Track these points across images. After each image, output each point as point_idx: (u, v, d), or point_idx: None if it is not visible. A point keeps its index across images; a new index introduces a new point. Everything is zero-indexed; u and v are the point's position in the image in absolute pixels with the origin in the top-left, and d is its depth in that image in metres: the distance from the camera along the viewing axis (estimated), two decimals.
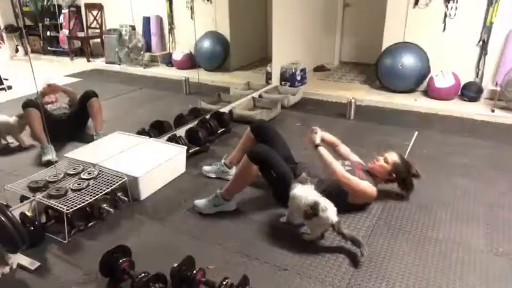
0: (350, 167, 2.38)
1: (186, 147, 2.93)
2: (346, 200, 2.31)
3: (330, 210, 1.97)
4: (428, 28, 4.50)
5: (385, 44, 4.75)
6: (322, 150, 2.34)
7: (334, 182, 2.28)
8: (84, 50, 6.75)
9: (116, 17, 6.48)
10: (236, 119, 3.89)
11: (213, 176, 2.81)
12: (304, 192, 2.05)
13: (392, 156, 2.41)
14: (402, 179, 2.43)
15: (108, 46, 6.42)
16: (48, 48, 6.99)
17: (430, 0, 4.41)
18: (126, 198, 2.43)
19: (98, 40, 6.73)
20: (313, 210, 1.97)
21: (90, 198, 2.21)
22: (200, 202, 2.39)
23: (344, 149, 2.61)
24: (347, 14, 6.03)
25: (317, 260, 1.96)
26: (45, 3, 6.82)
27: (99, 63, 6.53)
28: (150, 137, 3.10)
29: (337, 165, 2.28)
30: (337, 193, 2.24)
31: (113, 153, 2.75)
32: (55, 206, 2.12)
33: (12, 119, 3.23)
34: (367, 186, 2.29)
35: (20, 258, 1.96)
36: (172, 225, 2.28)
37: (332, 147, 2.58)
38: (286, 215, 2.24)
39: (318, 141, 2.38)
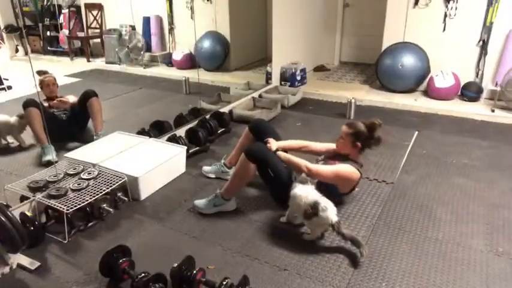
0: (323, 160, 2.39)
1: (186, 147, 2.93)
2: (339, 192, 2.32)
3: (330, 210, 1.97)
4: (428, 28, 4.50)
5: (385, 44, 4.75)
6: (280, 153, 2.34)
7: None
8: (84, 50, 6.75)
9: (116, 17, 6.47)
10: (236, 119, 3.89)
11: (213, 176, 2.81)
12: (305, 191, 2.06)
13: (344, 130, 2.35)
14: (366, 139, 2.32)
15: (108, 46, 6.42)
16: (48, 48, 6.98)
17: (430, 0, 4.41)
18: (126, 198, 2.43)
19: (98, 40, 6.73)
20: (313, 209, 1.97)
21: (90, 198, 2.21)
22: (200, 202, 2.39)
23: (314, 145, 2.58)
24: (347, 14, 6.03)
25: (317, 260, 1.96)
26: (45, 3, 6.81)
27: (99, 63, 6.52)
28: (150, 137, 3.10)
29: (300, 161, 2.26)
30: (328, 187, 2.23)
31: (113, 153, 2.75)
32: (55, 206, 2.12)
33: (12, 119, 3.23)
34: (342, 168, 2.27)
35: (20, 258, 1.96)
36: (172, 225, 2.28)
37: (301, 151, 2.56)
38: (286, 214, 2.25)
39: (273, 148, 2.37)
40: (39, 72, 3.33)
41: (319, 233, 2.09)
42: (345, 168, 2.28)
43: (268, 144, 2.41)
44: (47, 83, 3.30)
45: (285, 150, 2.43)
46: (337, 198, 2.26)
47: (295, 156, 2.35)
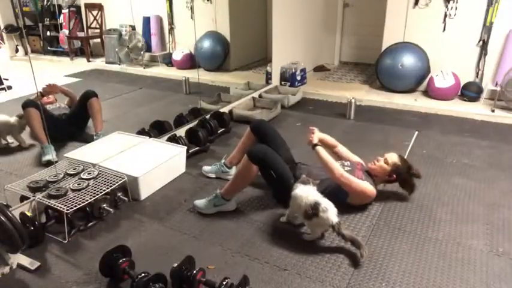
0: (350, 167, 2.38)
1: (186, 147, 2.93)
2: (346, 201, 2.32)
3: (330, 211, 1.97)
4: (428, 28, 4.50)
5: (385, 44, 4.75)
6: (320, 149, 2.34)
7: (334, 183, 2.28)
8: (84, 50, 6.74)
9: (116, 17, 6.47)
10: (236, 119, 3.89)
11: (213, 176, 2.81)
12: (306, 192, 2.06)
13: (393, 157, 2.41)
14: (403, 179, 2.43)
15: (108, 46, 6.42)
16: (48, 48, 6.97)
17: (430, 0, 4.41)
18: (126, 198, 2.43)
19: (98, 40, 6.72)
20: (313, 210, 1.97)
21: (90, 198, 2.21)
22: (200, 202, 2.39)
23: (343, 149, 2.62)
24: (347, 14, 6.03)
25: (317, 260, 1.96)
26: (45, 3, 6.81)
27: (99, 63, 6.52)
28: (150, 137, 3.10)
29: (336, 165, 2.28)
30: (337, 193, 2.25)
31: (112, 153, 2.75)
32: (55, 206, 2.12)
33: (12, 119, 3.23)
34: (367, 187, 2.30)
35: (20, 258, 1.96)
36: (172, 225, 2.28)
37: (331, 149, 2.58)
38: (286, 214, 2.25)
39: (315, 141, 2.39)
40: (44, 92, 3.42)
41: (319, 233, 2.09)
42: (370, 188, 2.31)
43: (312, 134, 2.41)
44: (48, 93, 3.38)
45: (323, 143, 2.45)
46: (340, 203, 2.26)
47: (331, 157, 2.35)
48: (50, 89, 3.42)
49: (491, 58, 4.29)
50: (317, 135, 2.45)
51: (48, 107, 3.42)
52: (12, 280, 1.88)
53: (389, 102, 4.42)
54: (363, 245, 1.93)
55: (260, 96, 4.46)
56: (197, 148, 3.17)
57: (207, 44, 5.66)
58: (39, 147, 3.12)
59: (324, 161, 2.29)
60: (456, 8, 4.32)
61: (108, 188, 2.32)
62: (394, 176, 2.40)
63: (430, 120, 3.99)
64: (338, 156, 2.57)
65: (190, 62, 5.88)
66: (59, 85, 3.52)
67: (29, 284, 1.85)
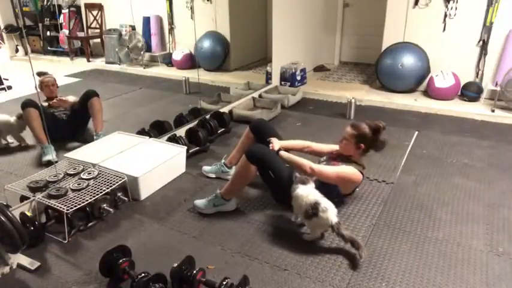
0: (325, 160, 2.40)
1: (186, 147, 2.93)
2: (340, 193, 2.32)
3: (330, 211, 1.97)
4: (428, 28, 4.50)
5: (385, 44, 4.75)
6: (283, 153, 2.34)
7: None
8: (84, 50, 6.74)
9: (116, 17, 6.47)
10: (236, 119, 3.89)
11: (213, 176, 2.81)
12: (306, 192, 2.06)
13: (348, 131, 2.34)
14: (370, 142, 2.32)
15: (108, 46, 6.42)
16: (48, 48, 6.97)
17: (430, 0, 4.41)
18: (126, 198, 2.43)
19: (98, 40, 6.72)
20: (313, 210, 1.97)
21: (90, 198, 2.21)
22: (200, 202, 2.39)
23: (317, 146, 2.58)
24: (347, 13, 6.02)
25: (317, 260, 1.96)
26: (45, 3, 6.81)
27: (99, 63, 6.52)
28: (150, 137, 3.10)
29: (302, 161, 2.26)
30: (330, 188, 2.23)
31: (113, 153, 2.75)
32: (55, 206, 2.12)
33: (12, 119, 3.23)
34: (343, 170, 2.27)
35: (20, 258, 1.96)
36: (172, 225, 2.28)
37: (303, 151, 2.56)
38: (294, 214, 2.23)
39: (276, 148, 2.38)
40: (39, 74, 3.34)
41: (319, 233, 2.09)
42: (348, 170, 2.28)
43: (270, 144, 2.41)
44: (46, 84, 3.30)
45: (288, 150, 2.43)
46: (338, 199, 2.27)
47: (297, 156, 2.35)
48: (59, 104, 3.36)
49: (491, 58, 4.29)
50: (276, 143, 2.43)
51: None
52: (12, 280, 1.88)
53: (389, 102, 4.42)
54: (362, 246, 1.92)
55: (260, 96, 4.46)
56: (197, 148, 3.17)
57: (207, 44, 5.66)
58: (39, 147, 3.12)
59: (290, 162, 2.30)
60: (456, 8, 4.32)
61: (108, 188, 2.32)
62: (362, 145, 2.31)
63: (430, 120, 3.99)
64: (314, 154, 2.56)
65: (190, 62, 5.88)
66: (70, 100, 3.39)
67: (29, 284, 1.85)
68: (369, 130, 2.30)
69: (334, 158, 2.40)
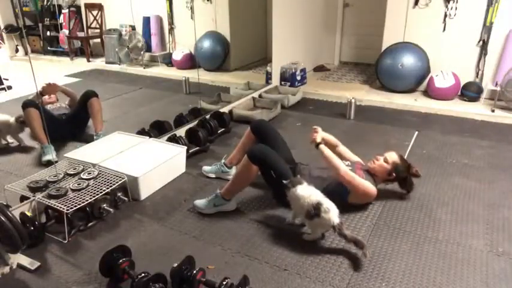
0: (350, 166, 2.38)
1: (186, 147, 2.93)
2: (347, 199, 2.32)
3: (332, 212, 1.97)
4: (428, 28, 4.50)
5: (385, 44, 4.75)
6: (324, 148, 2.35)
7: (336, 181, 2.28)
8: (84, 50, 6.75)
9: (116, 17, 6.48)
10: (236, 119, 3.89)
11: (213, 176, 2.81)
12: (308, 192, 2.05)
13: (392, 156, 2.41)
14: (402, 178, 2.44)
15: (108, 46, 6.42)
16: (48, 48, 6.97)
17: (430, 0, 4.41)
18: (126, 198, 2.43)
19: (98, 40, 6.73)
20: (315, 210, 1.97)
21: (90, 198, 2.21)
22: (200, 202, 2.39)
23: (344, 149, 2.62)
24: (347, 13, 6.03)
25: (317, 260, 1.96)
26: (45, 3, 6.81)
27: (99, 63, 6.52)
28: (150, 137, 3.10)
29: (340, 163, 2.29)
30: (339, 192, 2.25)
31: (113, 153, 2.75)
32: (55, 206, 2.12)
33: (12, 119, 3.23)
34: (369, 186, 2.30)
35: (20, 258, 1.96)
36: (172, 225, 2.28)
37: (332, 148, 2.57)
38: (292, 214, 2.23)
39: (319, 139, 2.40)
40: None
41: (320, 233, 2.09)
42: (371, 187, 2.31)
43: (314, 133, 2.43)
44: (49, 92, 3.37)
45: (326, 143, 2.45)
46: (341, 202, 2.26)
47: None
48: (50, 89, 3.41)
49: (491, 58, 4.29)
50: (320, 134, 2.46)
51: (48, 107, 3.42)
52: (12, 280, 1.88)
53: (389, 102, 4.42)
54: (365, 245, 1.92)
55: (260, 96, 4.46)
56: (197, 148, 3.17)
57: (207, 44, 5.66)
58: (39, 147, 3.13)
59: (328, 159, 2.30)
60: (456, 8, 4.32)
61: (108, 188, 2.32)
62: (394, 175, 2.41)
63: (430, 120, 3.99)
64: (339, 156, 2.57)
65: (190, 62, 5.88)
66: (58, 84, 3.51)
67: (29, 284, 1.85)
68: (409, 169, 2.43)
69: (360, 168, 2.42)
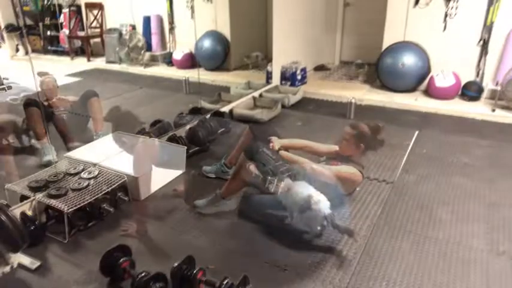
0: (324, 160, 2.40)
1: (186, 147, 2.93)
2: (340, 193, 2.31)
3: (322, 203, 1.98)
4: (428, 28, 4.50)
5: (386, 44, 4.75)
6: (282, 153, 2.35)
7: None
8: (84, 50, 6.75)
9: (116, 17, 6.47)
10: (236, 119, 3.89)
11: (213, 176, 2.80)
12: (300, 187, 2.06)
13: (347, 130, 2.36)
14: (369, 142, 2.34)
15: (108, 46, 6.42)
16: (49, 47, 6.98)
17: None
18: (126, 198, 2.43)
19: (98, 40, 6.72)
20: (306, 203, 1.98)
21: (90, 198, 2.21)
22: (200, 202, 2.39)
23: (318, 146, 2.57)
24: (347, 13, 6.02)
25: (317, 260, 1.96)
26: (45, 3, 6.81)
27: (99, 63, 6.52)
28: (150, 137, 3.10)
29: (303, 160, 2.28)
30: (330, 189, 2.22)
31: (113, 153, 2.75)
32: (55, 206, 2.12)
33: (19, 119, 3.23)
34: (344, 169, 2.27)
35: (20, 258, 1.96)
36: (172, 225, 2.28)
37: (303, 150, 2.55)
38: (289, 213, 2.23)
39: (277, 147, 2.40)
40: (40, 74, 3.34)
41: (316, 227, 2.06)
42: (347, 170, 2.28)
43: (271, 144, 2.41)
44: (46, 84, 3.30)
45: (287, 149, 2.43)
46: (338, 199, 2.25)
47: (297, 155, 2.35)
48: (59, 104, 3.35)
49: (492, 58, 4.28)
50: (277, 142, 2.44)
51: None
52: (13, 279, 1.88)
53: (390, 101, 4.41)
54: (354, 232, 1.98)
55: (260, 95, 4.46)
56: (197, 148, 3.17)
57: (207, 43, 5.66)
58: (39, 147, 3.12)
59: (293, 161, 2.30)
60: (457, 8, 4.31)
61: (108, 188, 2.32)
62: (362, 145, 2.33)
63: (431, 119, 3.99)
64: (313, 154, 2.55)
65: (191, 61, 5.88)
66: (69, 99, 3.38)
67: (30, 283, 1.86)
68: (368, 130, 2.33)
69: (334, 158, 2.40)
